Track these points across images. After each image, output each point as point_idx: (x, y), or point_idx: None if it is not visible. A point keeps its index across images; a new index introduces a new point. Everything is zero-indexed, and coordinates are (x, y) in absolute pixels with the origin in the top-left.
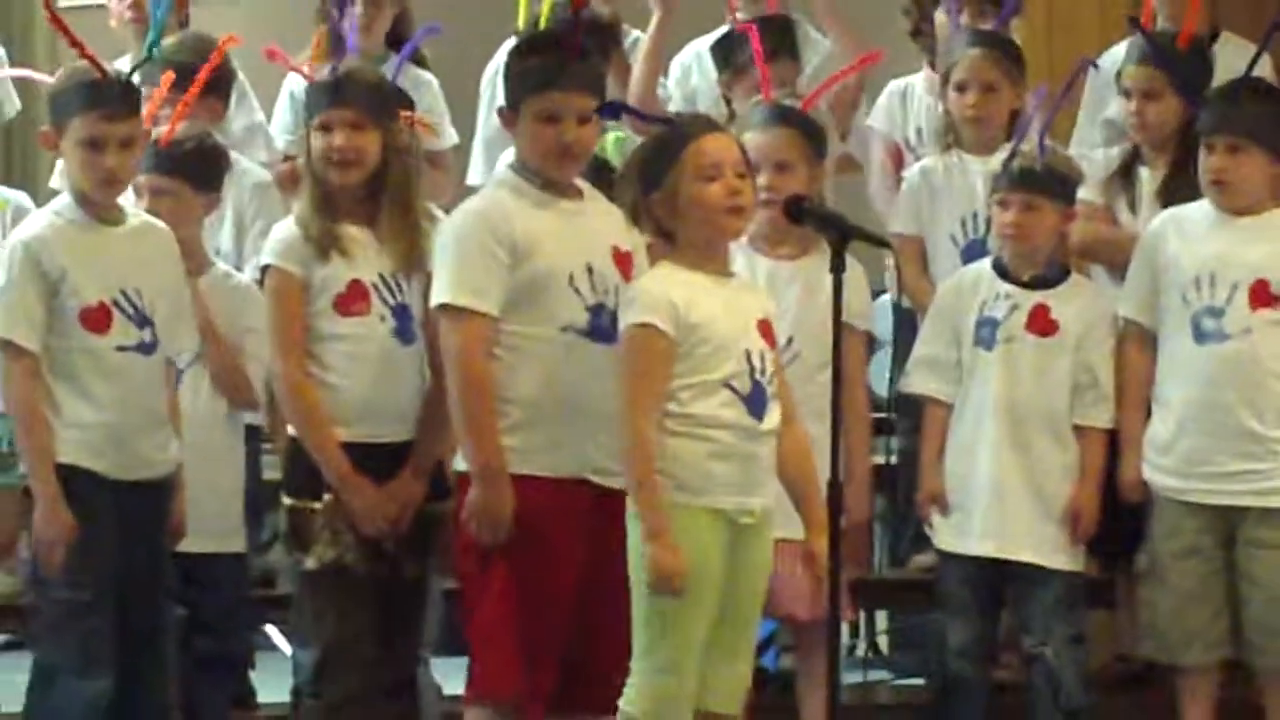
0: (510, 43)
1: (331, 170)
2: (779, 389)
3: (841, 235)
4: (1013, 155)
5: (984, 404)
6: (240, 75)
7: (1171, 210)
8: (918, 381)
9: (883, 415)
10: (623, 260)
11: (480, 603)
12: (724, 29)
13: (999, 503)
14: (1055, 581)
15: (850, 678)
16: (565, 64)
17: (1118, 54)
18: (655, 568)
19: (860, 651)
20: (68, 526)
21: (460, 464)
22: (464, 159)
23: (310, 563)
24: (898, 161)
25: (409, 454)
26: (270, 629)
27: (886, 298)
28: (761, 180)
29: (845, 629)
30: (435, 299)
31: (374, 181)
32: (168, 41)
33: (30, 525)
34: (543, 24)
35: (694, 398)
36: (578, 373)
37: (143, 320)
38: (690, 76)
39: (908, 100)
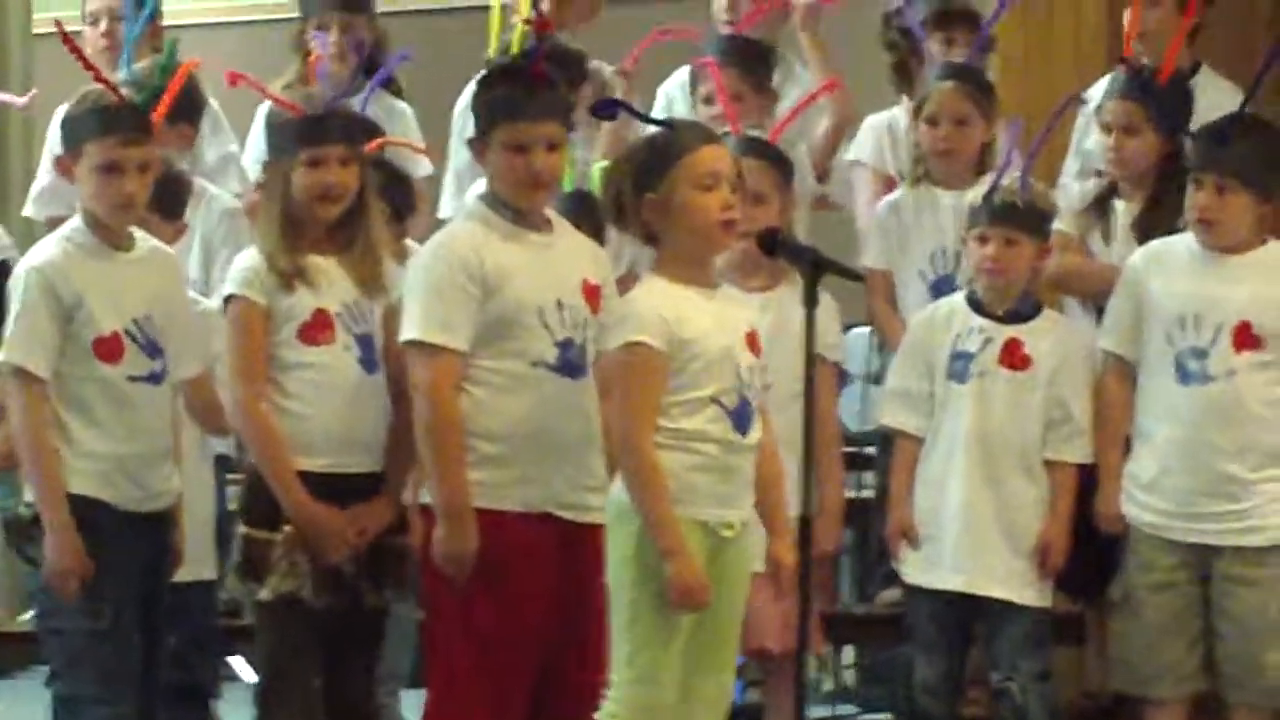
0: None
1: (318, 205)
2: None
3: (815, 268)
4: (993, 190)
5: (956, 438)
6: (215, 104)
7: (1155, 243)
8: (890, 415)
9: (853, 449)
10: (592, 294)
11: (444, 640)
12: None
13: (969, 537)
14: (1023, 617)
15: (817, 712)
16: (532, 93)
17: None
18: (678, 585)
19: (827, 686)
20: (81, 557)
21: (425, 497)
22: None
23: (264, 593)
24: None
25: (376, 484)
26: (235, 660)
27: (863, 330)
28: (738, 212)
29: (812, 663)
30: (405, 334)
31: (345, 212)
32: (138, 67)
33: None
34: (514, 51)
35: (683, 413)
36: (547, 407)
37: (154, 349)
38: (673, 106)
39: (893, 132)
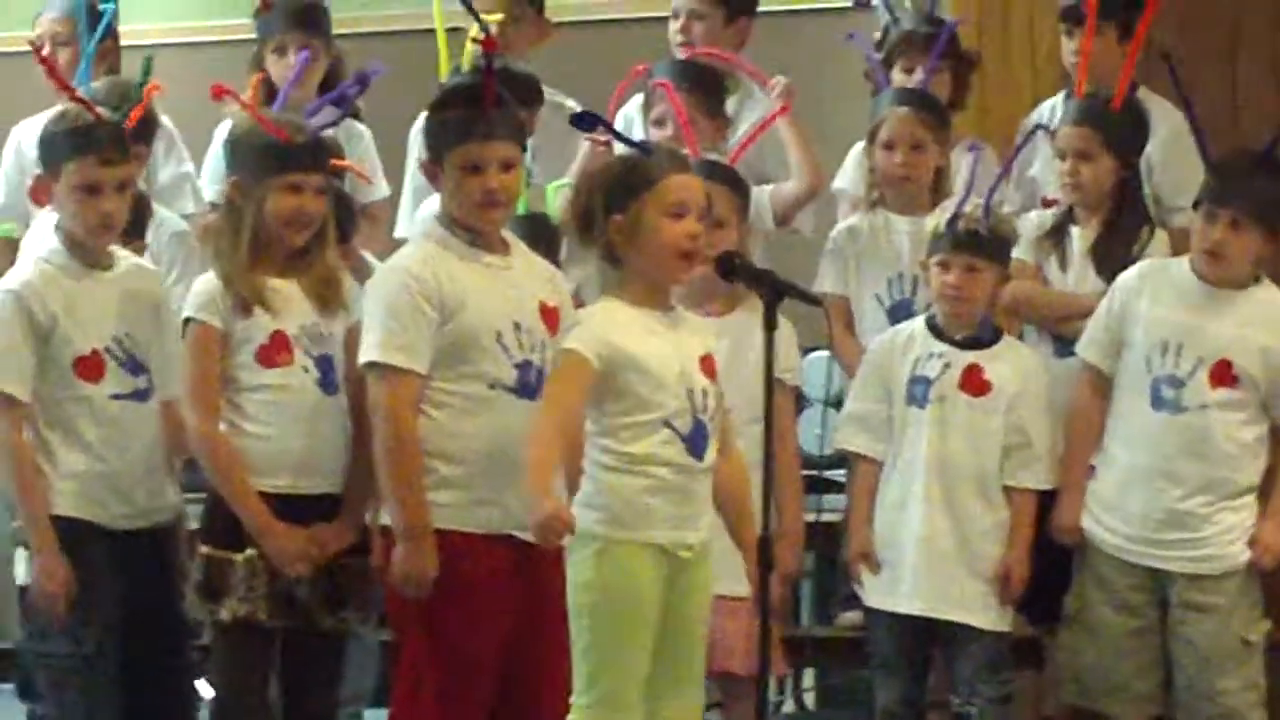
0: None
1: (290, 231)
2: (719, 421)
3: (774, 292)
4: (956, 217)
5: (915, 462)
6: (169, 124)
7: (1151, 263)
8: (847, 437)
9: (812, 473)
10: (549, 315)
11: (407, 659)
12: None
13: (928, 561)
14: (983, 640)
15: None
16: (484, 113)
17: (1042, 111)
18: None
19: (788, 708)
20: (67, 579)
21: (386, 518)
22: (393, 209)
23: (224, 614)
24: None
25: (335, 505)
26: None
27: (822, 354)
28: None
29: (773, 684)
30: (363, 357)
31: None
32: (95, 85)
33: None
34: (465, 69)
35: (633, 437)
36: (506, 429)
37: (136, 367)
38: (632, 128)
39: None
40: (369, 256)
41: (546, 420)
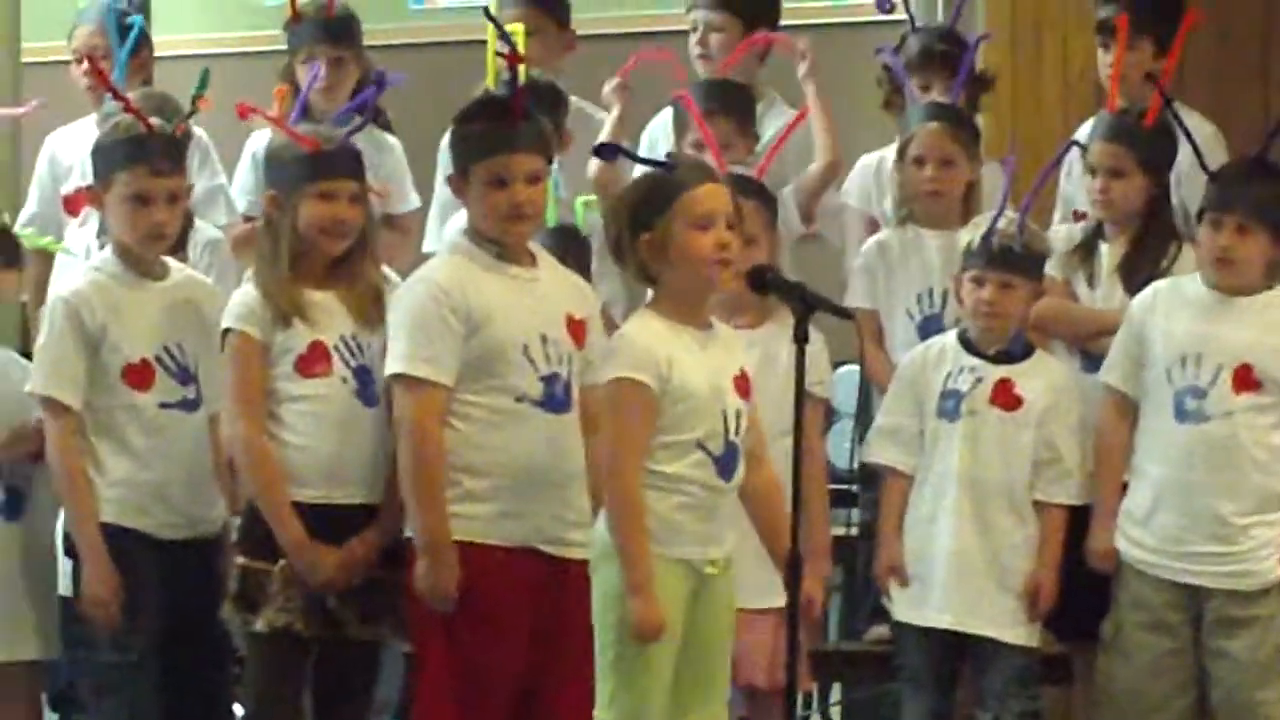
0: None
1: (326, 240)
2: (751, 434)
3: (805, 306)
4: (990, 232)
5: (946, 476)
6: (204, 136)
7: (1163, 282)
8: (878, 451)
9: (842, 487)
10: (576, 328)
11: (426, 670)
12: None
13: (958, 576)
14: (1012, 656)
15: None
16: (511, 126)
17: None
18: (639, 621)
19: None
20: (116, 585)
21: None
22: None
23: (260, 625)
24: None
25: (369, 516)
26: None
27: (852, 368)
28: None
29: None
30: (389, 368)
31: (347, 248)
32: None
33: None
34: (491, 81)
35: (667, 457)
36: (531, 443)
37: (186, 377)
38: (657, 147)
39: (881, 174)
40: (389, 271)
41: (629, 467)
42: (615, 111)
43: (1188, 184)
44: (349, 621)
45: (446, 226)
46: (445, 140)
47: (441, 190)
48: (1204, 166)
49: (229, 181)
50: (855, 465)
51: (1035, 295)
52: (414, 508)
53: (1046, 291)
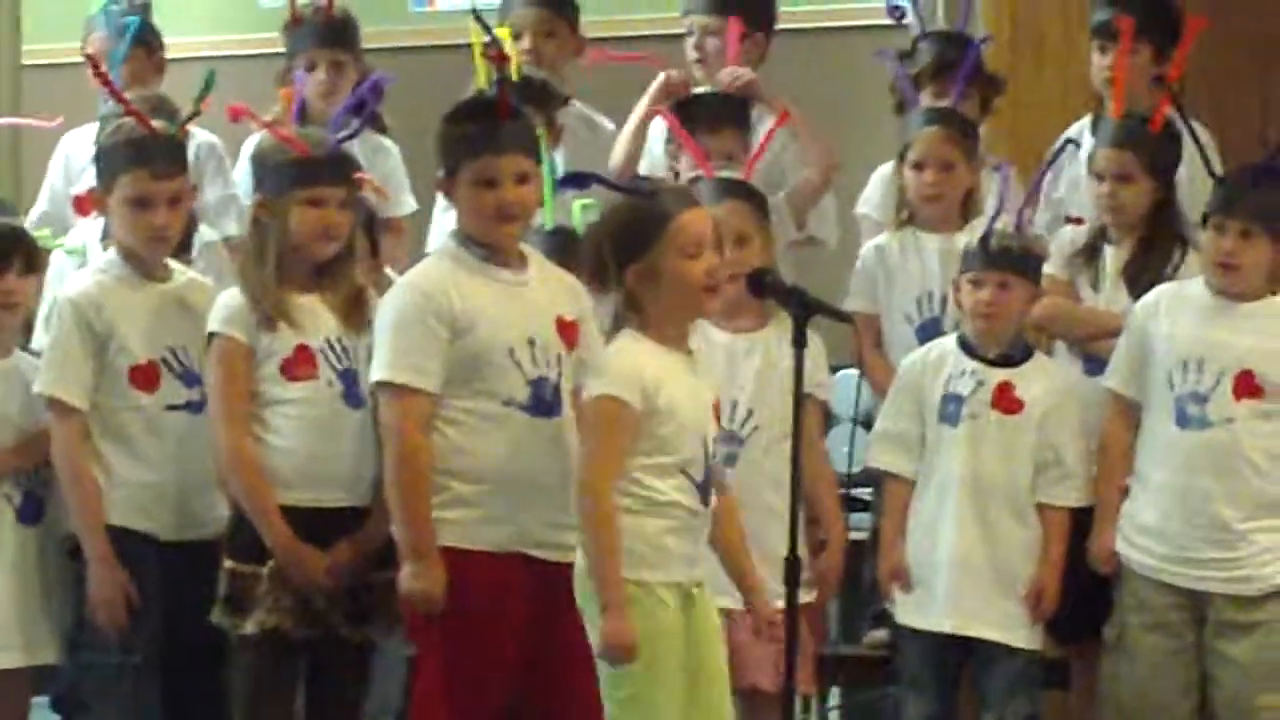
0: None
1: (315, 245)
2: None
3: (804, 309)
4: (988, 234)
5: (948, 480)
6: (219, 145)
7: (1166, 287)
8: (880, 457)
9: (841, 491)
10: (567, 330)
11: (420, 673)
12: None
13: (961, 579)
14: (1015, 659)
15: None
16: (497, 127)
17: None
18: (611, 641)
19: None
20: (123, 586)
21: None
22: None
23: (249, 627)
24: None
25: (355, 520)
26: None
27: (851, 372)
28: (728, 254)
29: (797, 703)
30: (374, 375)
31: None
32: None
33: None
34: (481, 82)
35: (655, 477)
36: (519, 447)
37: (190, 379)
38: (651, 147)
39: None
40: (391, 274)
41: (606, 485)
42: (653, 94)
43: (1188, 189)
44: (338, 623)
45: (436, 228)
46: None
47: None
48: (1210, 171)
49: None
50: (852, 469)
51: (1033, 296)
52: (398, 515)
53: (1049, 292)
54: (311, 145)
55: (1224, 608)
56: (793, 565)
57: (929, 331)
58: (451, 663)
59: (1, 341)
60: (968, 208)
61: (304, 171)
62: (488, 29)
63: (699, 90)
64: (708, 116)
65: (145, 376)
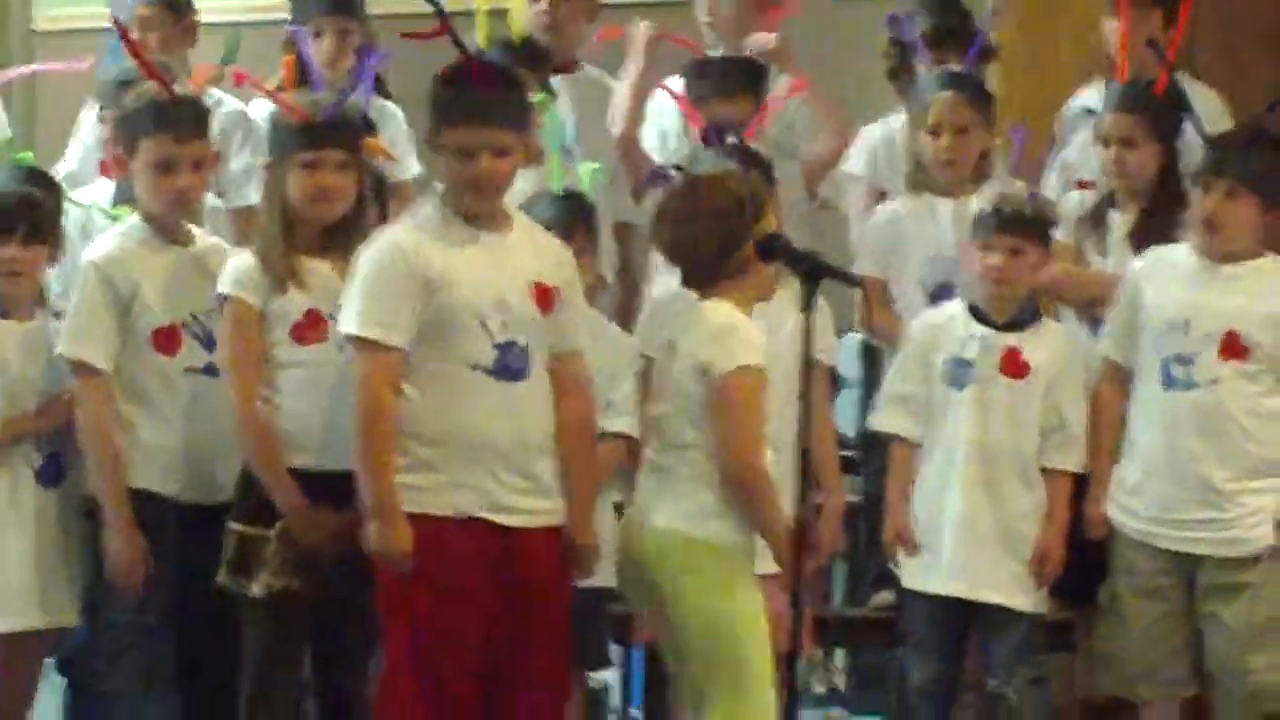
0: None
1: (315, 208)
2: None
3: (813, 273)
4: (1000, 199)
5: (954, 444)
6: (251, 115)
7: (1154, 251)
8: (886, 420)
9: (846, 454)
10: (543, 294)
11: (388, 642)
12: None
13: (967, 543)
14: (1020, 623)
15: (808, 716)
16: (479, 98)
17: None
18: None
19: (819, 689)
20: (142, 550)
21: None
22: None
23: (257, 589)
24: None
25: None
26: None
27: (854, 337)
28: None
29: (803, 666)
30: (344, 328)
31: (343, 215)
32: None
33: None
34: (482, 41)
35: None
36: (481, 411)
37: (210, 342)
38: (662, 116)
39: (888, 144)
40: None
41: (763, 459)
42: (638, 66)
43: (1190, 155)
44: (351, 588)
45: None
46: None
47: None
48: (1203, 135)
49: None
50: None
51: (1043, 262)
52: (362, 470)
53: (1057, 257)
54: (307, 109)
55: (1213, 570)
56: (800, 528)
57: (940, 296)
58: (418, 630)
59: (16, 306)
60: (981, 171)
61: (300, 135)
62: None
63: (711, 54)
64: (720, 82)
65: (167, 339)
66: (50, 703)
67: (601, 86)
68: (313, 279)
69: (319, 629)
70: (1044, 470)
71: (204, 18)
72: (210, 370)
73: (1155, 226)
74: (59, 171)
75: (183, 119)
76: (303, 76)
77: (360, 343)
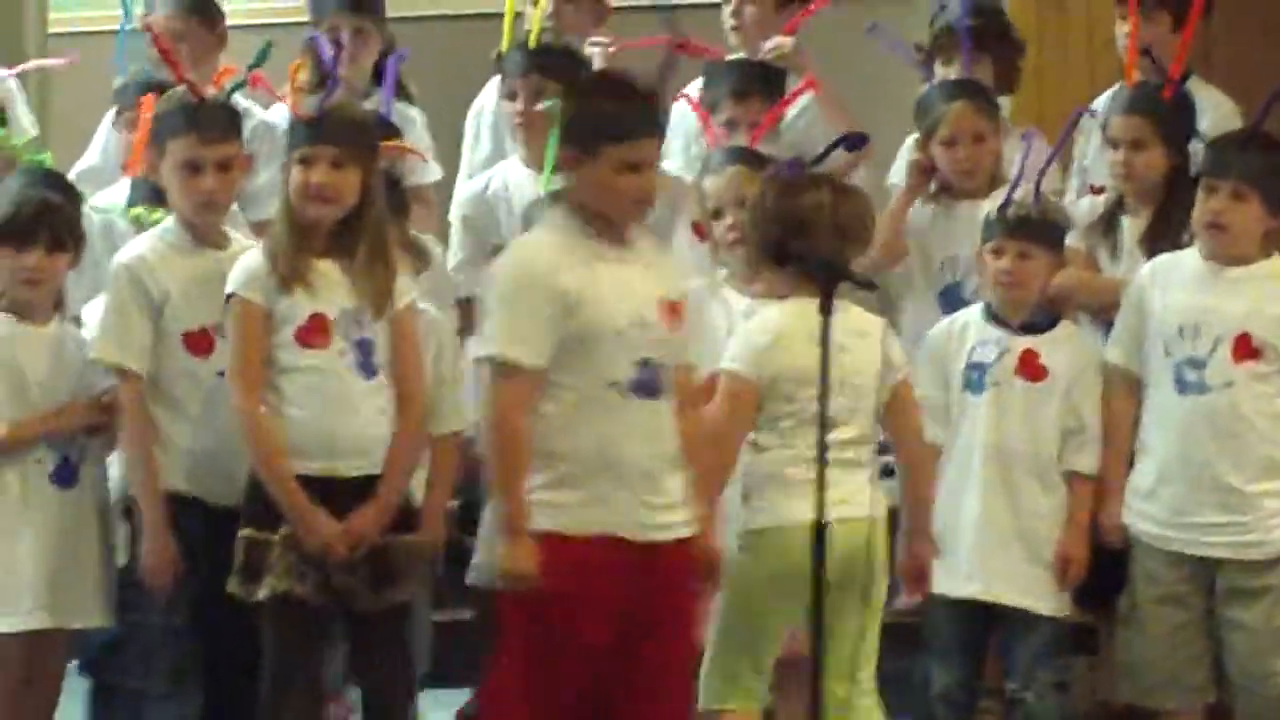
0: (494, 83)
1: (309, 205)
2: None
3: (830, 277)
4: (1007, 203)
5: (972, 448)
6: (276, 128)
7: (1159, 258)
8: None
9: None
10: (672, 311)
11: (496, 658)
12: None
13: (986, 546)
14: (1041, 626)
15: None
16: (642, 110)
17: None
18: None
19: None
20: (174, 554)
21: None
22: (448, 193)
23: (262, 593)
24: None
25: (368, 488)
26: None
27: None
28: (729, 220)
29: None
30: (480, 349)
31: (350, 218)
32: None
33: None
34: (532, 43)
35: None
36: (620, 428)
37: None
38: (685, 121)
39: None
40: (428, 239)
41: None
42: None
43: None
44: (359, 594)
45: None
46: (473, 110)
47: (471, 160)
48: (1198, 134)
49: None
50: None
51: (1055, 265)
52: (496, 491)
53: (1069, 263)
54: (303, 108)
55: (1233, 574)
56: (819, 531)
57: (950, 297)
58: (533, 645)
59: (36, 312)
60: (993, 175)
61: (294, 134)
62: None
63: (731, 58)
64: (735, 84)
65: (199, 342)
66: (72, 706)
67: None
68: (320, 282)
69: (352, 635)
70: (1064, 473)
71: (232, 20)
72: None
73: (1166, 231)
74: (78, 166)
75: (208, 121)
76: (321, 80)
77: (499, 364)
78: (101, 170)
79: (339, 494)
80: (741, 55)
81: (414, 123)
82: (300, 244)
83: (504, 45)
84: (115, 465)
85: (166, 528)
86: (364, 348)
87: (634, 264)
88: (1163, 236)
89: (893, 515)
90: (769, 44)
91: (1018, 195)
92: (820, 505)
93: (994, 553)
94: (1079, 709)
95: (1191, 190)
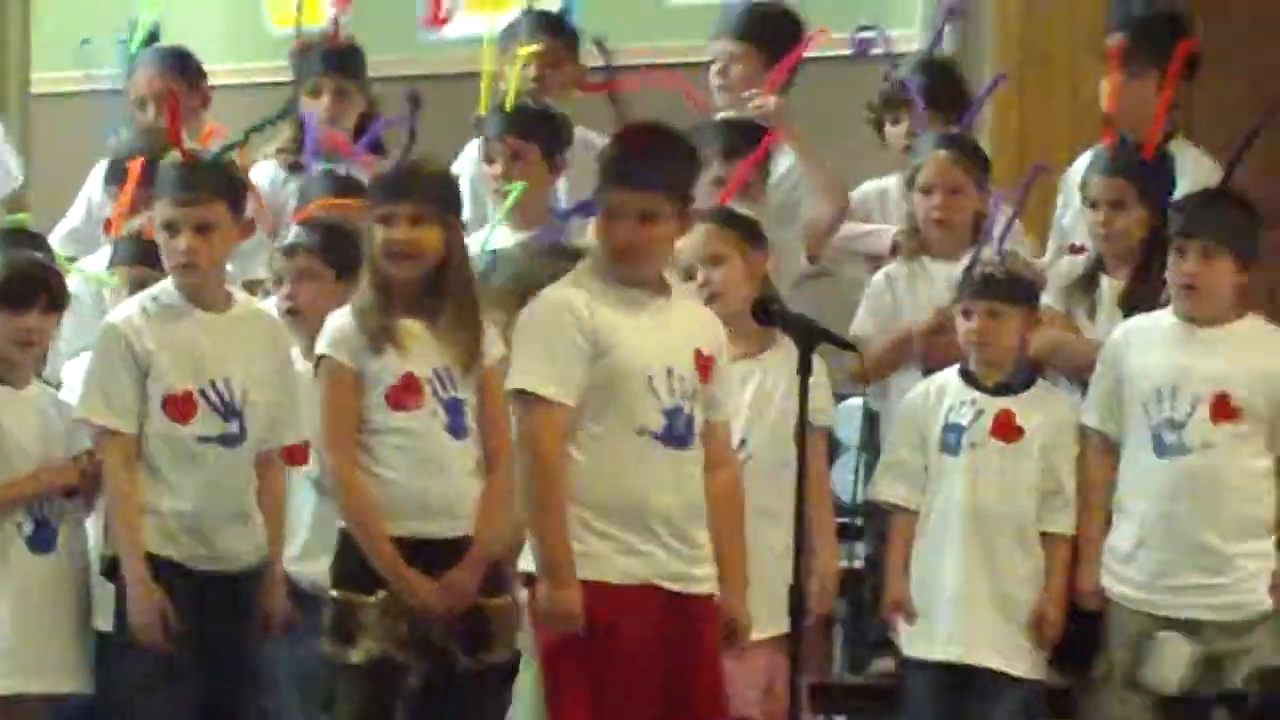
0: (474, 145)
1: (390, 263)
2: None
3: (810, 337)
4: (974, 263)
5: (949, 510)
6: (261, 187)
7: (1134, 320)
8: (885, 488)
9: (845, 520)
10: (704, 363)
11: (550, 709)
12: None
13: (964, 608)
14: (1017, 688)
15: None
16: (626, 160)
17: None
18: None
19: None
20: (158, 610)
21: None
22: None
23: (356, 656)
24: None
25: (460, 549)
26: None
27: (856, 401)
28: (701, 277)
29: None
30: (512, 384)
31: (434, 275)
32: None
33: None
34: (508, 105)
35: None
36: (651, 477)
37: (230, 411)
38: None
39: (884, 201)
40: None
41: None
42: None
43: None
44: (457, 655)
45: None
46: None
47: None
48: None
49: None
50: (858, 499)
51: (1028, 322)
52: (533, 529)
53: (1047, 324)
54: (378, 165)
55: (1215, 637)
56: (796, 595)
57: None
58: (587, 691)
59: (19, 374)
60: (977, 233)
61: (374, 189)
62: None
63: (720, 116)
64: (722, 143)
65: (180, 407)
66: None
67: (588, 144)
68: (409, 339)
69: (423, 697)
70: (1042, 534)
71: (214, 80)
72: (227, 440)
73: (1146, 292)
74: (61, 228)
75: (184, 181)
76: (300, 145)
77: (529, 399)
78: (84, 231)
79: (433, 556)
80: (731, 114)
81: None
82: (386, 303)
83: (481, 108)
84: (93, 528)
85: (149, 583)
86: (454, 408)
87: (666, 313)
88: (1142, 297)
89: (855, 574)
90: (753, 101)
91: (983, 254)
92: (798, 565)
93: (971, 615)
94: None
95: (1167, 251)
